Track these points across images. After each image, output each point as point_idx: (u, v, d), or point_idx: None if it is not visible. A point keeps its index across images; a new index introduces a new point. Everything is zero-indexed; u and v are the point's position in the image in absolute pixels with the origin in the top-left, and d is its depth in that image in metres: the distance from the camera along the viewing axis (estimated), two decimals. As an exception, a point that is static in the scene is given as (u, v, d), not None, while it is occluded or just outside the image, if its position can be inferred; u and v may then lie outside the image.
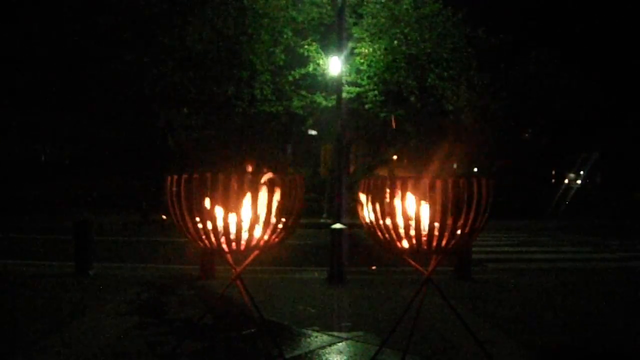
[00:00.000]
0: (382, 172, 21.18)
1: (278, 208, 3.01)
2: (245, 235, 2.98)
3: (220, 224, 2.93)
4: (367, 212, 3.15)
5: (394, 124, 17.62)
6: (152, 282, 6.10)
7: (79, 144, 21.38)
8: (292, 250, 9.14)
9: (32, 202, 17.74)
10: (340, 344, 3.91)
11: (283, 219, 3.08)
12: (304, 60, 15.76)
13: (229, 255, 3.14)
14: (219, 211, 2.94)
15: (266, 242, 3.06)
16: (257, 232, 3.02)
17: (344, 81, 14.88)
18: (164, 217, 15.11)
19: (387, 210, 3.03)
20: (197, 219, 2.96)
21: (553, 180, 26.43)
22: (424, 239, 2.98)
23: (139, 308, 4.91)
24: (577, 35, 21.71)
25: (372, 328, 4.30)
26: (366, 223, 3.21)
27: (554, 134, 21.65)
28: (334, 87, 14.97)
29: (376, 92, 16.02)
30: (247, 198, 2.94)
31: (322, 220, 15.69)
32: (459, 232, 3.00)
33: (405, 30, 15.54)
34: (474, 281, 6.53)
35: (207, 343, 3.87)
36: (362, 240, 10.05)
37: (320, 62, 15.61)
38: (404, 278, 6.59)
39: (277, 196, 3.00)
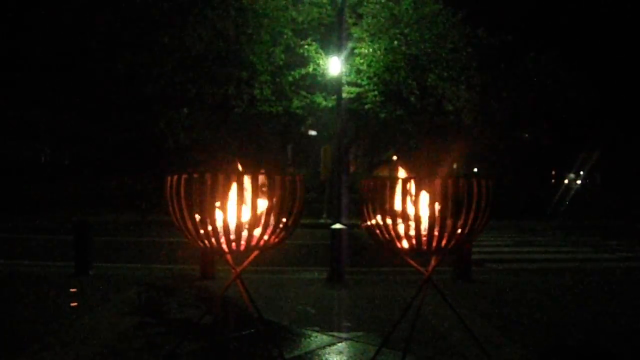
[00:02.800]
0: (382, 172, 21.21)
1: (278, 208, 3.01)
2: (245, 236, 2.98)
3: (220, 224, 2.93)
4: (368, 213, 3.15)
5: None
6: (152, 282, 6.10)
7: (79, 144, 21.36)
8: (292, 250, 9.15)
9: (32, 202, 17.73)
10: (340, 344, 3.91)
11: (283, 219, 3.07)
12: (304, 61, 15.74)
13: (228, 256, 3.13)
14: (218, 211, 2.94)
15: (266, 242, 3.06)
16: (257, 232, 3.02)
17: (344, 81, 14.86)
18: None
19: (387, 211, 3.03)
20: (197, 218, 2.95)
21: (553, 180, 26.44)
22: (424, 239, 2.99)
23: (139, 308, 4.91)
24: (577, 35, 21.72)
25: (372, 328, 4.31)
26: (367, 223, 3.21)
27: (554, 134, 21.63)
28: (334, 87, 14.97)
29: (376, 92, 15.99)
30: (247, 198, 2.94)
31: (322, 220, 15.69)
32: (459, 232, 3.01)
33: (405, 31, 15.52)
34: (473, 281, 6.53)
35: (207, 343, 3.87)
36: (362, 240, 10.06)
37: (320, 62, 15.60)
38: (404, 278, 6.59)
39: (277, 196, 3.00)
